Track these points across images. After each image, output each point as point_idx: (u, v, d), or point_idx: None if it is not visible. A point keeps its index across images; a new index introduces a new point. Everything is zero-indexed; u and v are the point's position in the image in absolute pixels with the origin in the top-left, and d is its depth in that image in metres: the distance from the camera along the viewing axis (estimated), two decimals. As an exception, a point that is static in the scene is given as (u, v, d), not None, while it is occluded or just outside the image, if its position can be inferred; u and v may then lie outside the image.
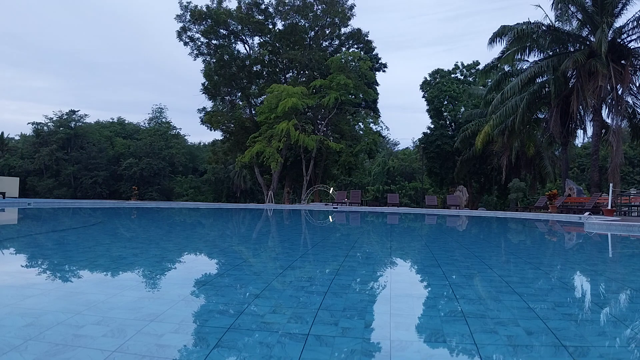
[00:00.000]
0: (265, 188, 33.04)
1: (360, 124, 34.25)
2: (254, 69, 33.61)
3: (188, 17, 31.57)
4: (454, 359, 2.22)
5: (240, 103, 35.09)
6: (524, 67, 24.96)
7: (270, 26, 33.25)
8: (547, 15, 43.92)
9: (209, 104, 36.27)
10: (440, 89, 35.08)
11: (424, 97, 36.35)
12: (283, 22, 33.23)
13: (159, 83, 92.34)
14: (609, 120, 22.96)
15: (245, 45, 34.22)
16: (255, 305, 3.01)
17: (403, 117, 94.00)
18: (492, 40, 23.68)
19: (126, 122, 56.33)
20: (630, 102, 23.38)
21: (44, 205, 19.37)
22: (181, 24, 31.82)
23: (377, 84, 34.94)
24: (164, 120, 52.58)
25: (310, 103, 28.53)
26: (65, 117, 48.29)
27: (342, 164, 33.52)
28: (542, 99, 24.65)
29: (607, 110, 22.89)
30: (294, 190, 36.13)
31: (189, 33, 32.23)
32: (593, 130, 22.55)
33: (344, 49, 34.54)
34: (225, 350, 2.17)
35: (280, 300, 3.18)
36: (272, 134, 27.78)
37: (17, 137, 54.65)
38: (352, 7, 32.72)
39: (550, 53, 23.80)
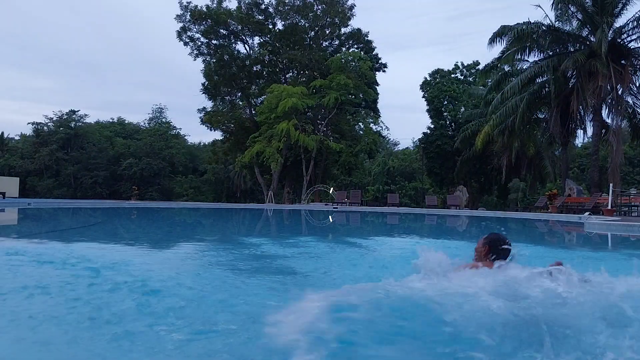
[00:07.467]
0: (266, 188, 33.01)
1: (360, 124, 34.20)
2: (254, 69, 33.57)
3: (188, 17, 31.52)
4: None
5: (240, 103, 35.06)
6: (524, 67, 24.92)
7: (270, 26, 33.21)
8: (547, 15, 42.64)
9: (209, 104, 36.22)
10: (440, 89, 35.01)
11: (424, 97, 36.28)
12: (283, 22, 33.21)
13: (159, 83, 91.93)
14: (609, 120, 22.95)
15: (245, 45, 34.21)
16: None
17: (403, 117, 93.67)
18: (492, 40, 23.67)
19: (126, 122, 56.15)
20: (630, 102, 23.38)
21: (44, 205, 19.36)
22: (181, 24, 31.77)
23: (377, 84, 34.87)
24: (164, 120, 52.38)
25: (310, 103, 28.49)
26: (65, 117, 48.19)
27: (342, 164, 33.48)
28: (542, 99, 24.63)
29: (607, 110, 22.88)
30: (294, 190, 36.09)
31: (189, 33, 32.19)
32: (593, 130, 22.53)
33: (344, 49, 34.48)
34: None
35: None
36: (272, 134, 27.76)
37: (17, 137, 54.51)
38: (352, 7, 32.67)
39: (550, 53, 23.77)
